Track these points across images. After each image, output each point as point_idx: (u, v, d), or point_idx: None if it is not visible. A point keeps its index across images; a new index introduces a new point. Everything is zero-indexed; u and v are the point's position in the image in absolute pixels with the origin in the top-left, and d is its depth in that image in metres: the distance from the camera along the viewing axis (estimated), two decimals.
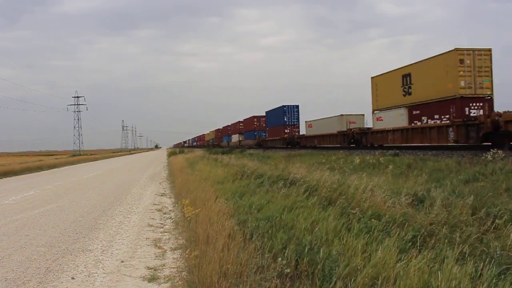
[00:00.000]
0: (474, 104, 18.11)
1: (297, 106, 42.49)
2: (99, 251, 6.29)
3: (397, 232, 4.98)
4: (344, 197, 7.19)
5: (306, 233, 5.07)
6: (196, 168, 17.87)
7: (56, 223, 8.58)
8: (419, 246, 4.60)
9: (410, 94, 21.79)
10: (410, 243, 4.71)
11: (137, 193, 13.71)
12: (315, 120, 36.19)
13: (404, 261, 3.89)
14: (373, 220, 5.58)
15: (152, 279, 4.98)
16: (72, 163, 43.97)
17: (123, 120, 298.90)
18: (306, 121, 38.71)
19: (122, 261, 5.74)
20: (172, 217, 8.91)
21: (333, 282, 3.63)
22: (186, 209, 7.40)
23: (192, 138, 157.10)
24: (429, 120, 20.13)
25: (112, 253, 6.17)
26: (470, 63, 18.04)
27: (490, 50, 18.43)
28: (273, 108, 46.13)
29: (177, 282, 4.79)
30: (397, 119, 22.73)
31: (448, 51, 18.59)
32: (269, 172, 12.42)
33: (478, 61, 18.12)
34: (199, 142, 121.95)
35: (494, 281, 3.54)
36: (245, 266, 4.12)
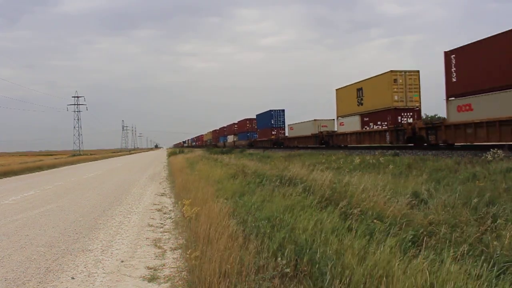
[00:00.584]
0: (405, 114, 23.99)
1: (283, 110, 47.74)
2: (99, 251, 6.29)
3: (397, 232, 4.98)
4: (343, 197, 7.19)
5: (305, 233, 5.07)
6: (196, 168, 17.88)
7: (56, 223, 8.59)
8: (419, 246, 4.60)
9: (362, 104, 27.37)
10: (410, 243, 4.71)
11: (137, 193, 13.71)
12: (295, 123, 41.86)
13: (404, 261, 3.89)
14: (374, 220, 5.58)
15: (152, 279, 4.98)
16: (72, 163, 43.97)
17: (123, 120, 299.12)
18: (288, 124, 44.37)
19: (122, 261, 5.74)
20: (172, 217, 8.91)
21: (332, 282, 3.63)
22: (186, 209, 7.40)
23: (192, 138, 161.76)
24: (374, 125, 25.79)
25: (112, 253, 6.17)
26: (402, 82, 23.77)
27: (418, 71, 24.16)
28: (263, 111, 50.97)
29: (177, 282, 4.79)
30: (353, 124, 28.36)
31: (385, 72, 24.39)
32: (269, 172, 12.43)
33: (409, 80, 23.83)
34: (198, 142, 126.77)
35: (494, 281, 3.55)
36: (245, 266, 4.12)
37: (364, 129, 27.15)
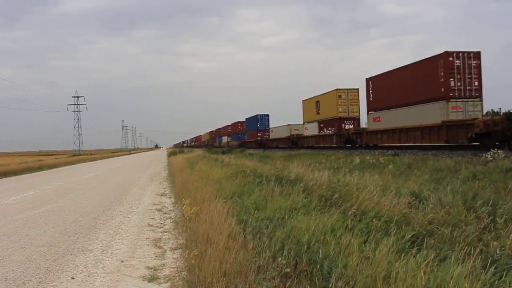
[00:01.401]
0: (347, 122, 31.43)
1: (268, 115, 54.27)
2: (99, 251, 6.29)
3: (397, 232, 4.98)
4: (343, 196, 7.19)
5: (305, 233, 5.07)
6: (196, 168, 17.88)
7: (56, 223, 8.59)
8: (419, 246, 4.60)
9: (319, 113, 35.55)
10: (409, 242, 4.71)
11: (137, 193, 13.71)
12: (275, 127, 49.84)
13: (403, 261, 3.89)
14: (373, 220, 5.58)
15: (152, 279, 4.99)
16: (72, 163, 43.97)
17: (123, 120, 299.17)
18: (270, 128, 51.73)
19: (122, 261, 5.74)
20: (172, 217, 8.92)
21: (331, 282, 3.63)
22: (185, 208, 7.40)
23: (191, 139, 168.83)
24: (326, 130, 33.71)
25: (112, 253, 6.17)
26: (345, 97, 31.70)
27: (357, 89, 31.39)
28: (250, 116, 57.37)
29: (177, 282, 4.79)
30: (314, 129, 36.35)
31: (333, 90, 32.14)
32: (268, 172, 12.43)
33: (350, 96, 31.76)
34: (197, 142, 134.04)
35: (493, 281, 3.54)
36: (245, 265, 4.12)
37: (320, 133, 35.29)
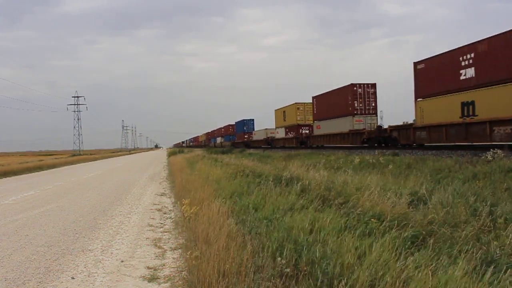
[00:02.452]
0: (304, 127, 39.84)
1: (253, 119, 62.69)
2: (99, 251, 6.29)
3: (396, 232, 4.98)
4: (342, 196, 7.19)
5: (304, 233, 5.07)
6: (195, 168, 17.88)
7: (56, 223, 8.59)
8: (418, 246, 4.60)
9: (285, 121, 44.01)
10: (409, 242, 4.71)
11: (137, 193, 13.71)
12: (256, 130, 57.91)
13: (403, 261, 3.89)
14: (372, 220, 5.58)
15: (152, 279, 4.99)
16: (72, 163, 43.97)
17: (123, 120, 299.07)
18: (253, 131, 59.39)
19: (122, 261, 5.74)
20: (172, 217, 8.92)
21: (331, 282, 3.63)
22: (185, 208, 7.40)
23: (190, 139, 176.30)
24: (290, 134, 42.29)
25: (112, 253, 6.17)
26: (302, 109, 40.61)
27: (313, 100, 36.31)
28: (239, 120, 65.93)
29: (177, 282, 4.79)
30: (282, 133, 44.98)
31: (292, 104, 41.59)
32: (268, 172, 12.43)
33: (306, 107, 39.93)
34: (195, 143, 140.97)
35: (493, 281, 3.54)
36: (244, 265, 4.12)
37: (286, 136, 43.77)
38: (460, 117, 17.71)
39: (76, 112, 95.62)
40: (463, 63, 17.64)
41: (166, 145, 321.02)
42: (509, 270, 3.74)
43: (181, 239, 6.72)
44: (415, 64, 21.12)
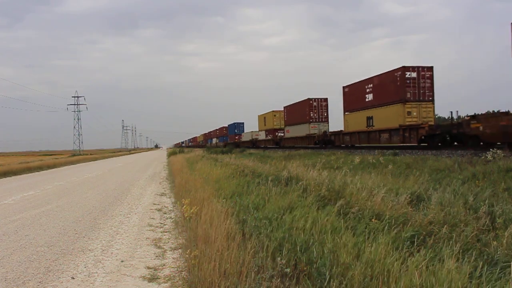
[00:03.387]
0: (279, 131, 47.68)
1: (243, 123, 69.95)
2: (99, 251, 6.30)
3: (396, 231, 4.98)
4: (342, 196, 7.20)
5: (304, 233, 5.08)
6: (195, 168, 17.88)
7: (56, 223, 8.59)
8: (418, 245, 4.60)
9: (265, 125, 52.29)
10: (409, 242, 4.72)
11: (137, 193, 13.72)
12: (244, 133, 65.47)
13: (402, 260, 3.90)
14: (373, 220, 5.59)
15: (152, 278, 4.99)
16: (72, 163, 43.96)
17: (123, 120, 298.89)
18: (242, 133, 66.76)
19: (122, 261, 5.75)
20: (172, 217, 8.92)
21: (330, 282, 3.64)
22: (185, 208, 7.41)
23: (188, 139, 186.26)
24: (269, 137, 50.37)
25: (112, 253, 6.18)
26: (278, 116, 48.22)
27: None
28: (231, 123, 72.94)
29: (177, 282, 4.80)
30: (263, 135, 53.20)
31: (270, 111, 49.86)
32: (267, 172, 12.43)
33: (281, 114, 46.59)
34: (193, 143, 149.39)
35: (493, 281, 3.55)
36: (244, 265, 4.13)
37: (266, 138, 52.01)
38: (366, 127, 26.62)
39: (76, 112, 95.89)
40: (367, 90, 26.41)
41: (166, 145, 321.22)
42: (507, 269, 3.75)
43: (181, 239, 6.73)
44: (343, 87, 30.15)
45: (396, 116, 23.20)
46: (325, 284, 3.65)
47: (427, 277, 3.47)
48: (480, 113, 18.42)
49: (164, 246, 6.51)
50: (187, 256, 5.08)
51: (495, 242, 4.53)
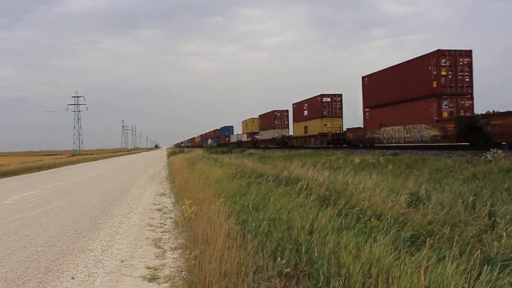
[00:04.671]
0: (257, 134, 56.71)
1: (232, 126, 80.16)
2: (99, 251, 6.30)
3: (395, 231, 4.98)
4: (342, 196, 7.19)
5: (304, 233, 5.07)
6: (196, 168, 17.88)
7: (56, 223, 8.59)
8: (418, 246, 4.60)
9: (247, 129, 61.79)
10: (409, 242, 4.71)
11: (137, 193, 13.71)
12: (232, 135, 75.30)
13: (401, 260, 3.90)
14: (372, 220, 5.58)
15: (152, 278, 4.99)
16: (72, 163, 43.96)
17: (123, 120, 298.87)
18: (230, 135, 76.33)
19: (122, 261, 5.75)
20: (172, 217, 8.92)
21: (329, 282, 3.63)
22: (185, 208, 7.41)
23: (187, 140, 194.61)
24: (249, 139, 60.01)
25: (112, 253, 6.18)
26: (256, 122, 58.14)
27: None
28: (223, 126, 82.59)
29: (177, 282, 4.80)
30: (245, 137, 62.86)
31: (250, 118, 60.49)
32: (268, 172, 12.43)
33: (258, 121, 56.92)
34: (192, 143, 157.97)
35: (492, 280, 3.55)
36: (244, 265, 4.13)
37: (247, 139, 61.73)
38: (304, 133, 38.15)
39: (76, 112, 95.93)
40: (304, 108, 38.69)
41: (166, 145, 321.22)
42: (507, 269, 3.75)
43: (181, 239, 6.73)
44: (293, 104, 41.68)
45: (318, 127, 34.92)
46: (325, 284, 3.65)
47: (427, 277, 3.47)
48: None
49: (164, 246, 6.51)
50: (187, 256, 5.08)
51: (495, 242, 4.52)
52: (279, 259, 4.20)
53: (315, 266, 3.93)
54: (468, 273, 3.58)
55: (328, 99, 34.04)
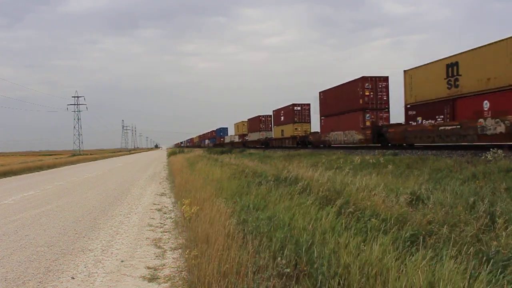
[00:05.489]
0: (246, 136, 61.71)
1: (227, 128, 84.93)
2: (99, 251, 6.30)
3: (395, 231, 4.98)
4: (342, 196, 7.19)
5: (304, 233, 5.07)
6: (196, 168, 17.87)
7: (56, 223, 8.59)
8: (418, 245, 4.60)
9: (238, 131, 66.69)
10: (408, 242, 4.71)
11: (137, 193, 13.72)
12: (226, 136, 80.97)
13: (401, 260, 3.90)
14: (373, 219, 5.58)
15: (152, 278, 4.99)
16: (72, 163, 43.97)
17: (123, 120, 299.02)
18: (225, 136, 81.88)
19: (122, 261, 5.75)
20: (172, 217, 8.92)
21: (329, 282, 3.63)
22: (185, 208, 7.41)
23: (187, 140, 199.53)
24: (239, 139, 65.22)
25: (112, 253, 6.18)
26: (246, 125, 63.00)
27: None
28: (218, 127, 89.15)
29: (177, 282, 4.80)
30: (237, 138, 67.60)
31: (240, 121, 66.51)
32: (268, 172, 12.43)
33: (247, 124, 62.19)
34: (190, 143, 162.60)
35: (492, 280, 3.55)
36: (244, 265, 4.13)
37: (239, 140, 65.42)
38: (281, 135, 44.80)
39: (76, 112, 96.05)
40: (281, 114, 44.57)
41: (166, 145, 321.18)
42: (507, 269, 3.75)
43: (181, 239, 6.73)
44: (273, 111, 48.51)
45: (290, 130, 41.59)
46: (325, 284, 3.65)
47: (427, 277, 3.47)
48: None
49: (164, 246, 6.51)
50: (187, 256, 5.09)
51: (495, 242, 4.52)
52: (279, 259, 4.20)
53: (315, 266, 3.93)
54: (468, 273, 3.58)
55: (299, 108, 40.94)
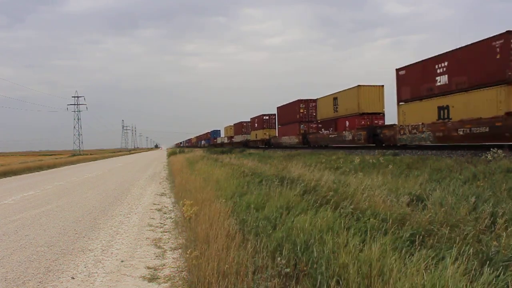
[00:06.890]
0: (233, 138, 69.95)
1: (219, 130, 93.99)
2: (99, 251, 6.30)
3: (395, 231, 4.98)
4: (342, 196, 7.19)
5: (304, 232, 5.07)
6: (196, 168, 17.87)
7: (56, 223, 8.59)
8: (418, 246, 4.60)
9: (227, 133, 76.16)
10: (409, 242, 4.71)
11: (137, 193, 13.72)
12: (218, 137, 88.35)
13: (401, 260, 3.89)
14: (371, 219, 5.58)
15: (152, 279, 4.99)
16: (72, 163, 43.97)
17: (123, 120, 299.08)
18: (218, 137, 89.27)
19: (122, 261, 5.75)
20: (172, 217, 8.92)
21: (328, 282, 3.63)
22: (185, 208, 7.40)
23: (186, 140, 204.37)
24: (228, 140, 72.78)
25: (112, 253, 6.18)
26: (233, 128, 70.88)
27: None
28: (212, 130, 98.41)
29: (177, 282, 4.80)
30: (226, 140, 75.91)
31: (230, 125, 74.80)
32: (268, 172, 12.43)
33: (232, 127, 72.41)
34: (189, 144, 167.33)
35: (492, 280, 3.54)
36: (244, 265, 4.13)
37: (228, 141, 70.92)
38: (255, 138, 53.27)
39: (76, 112, 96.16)
40: (256, 121, 53.14)
41: (166, 145, 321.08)
42: (507, 269, 3.74)
43: (181, 239, 6.73)
44: (251, 118, 55.85)
45: (261, 134, 50.14)
46: (324, 283, 3.64)
47: (427, 277, 3.47)
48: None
49: (164, 246, 6.51)
50: (187, 256, 5.08)
51: (495, 242, 4.52)
52: (279, 259, 4.19)
53: (314, 266, 3.92)
54: (468, 273, 3.58)
55: (267, 117, 50.13)
